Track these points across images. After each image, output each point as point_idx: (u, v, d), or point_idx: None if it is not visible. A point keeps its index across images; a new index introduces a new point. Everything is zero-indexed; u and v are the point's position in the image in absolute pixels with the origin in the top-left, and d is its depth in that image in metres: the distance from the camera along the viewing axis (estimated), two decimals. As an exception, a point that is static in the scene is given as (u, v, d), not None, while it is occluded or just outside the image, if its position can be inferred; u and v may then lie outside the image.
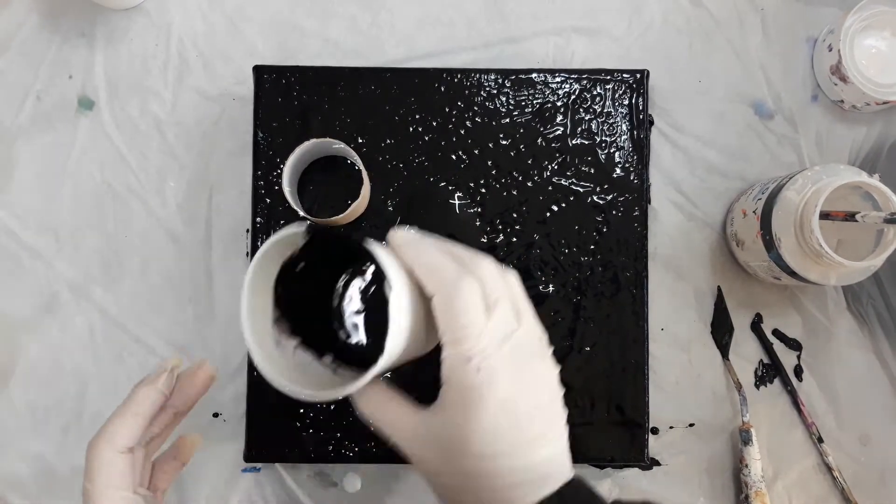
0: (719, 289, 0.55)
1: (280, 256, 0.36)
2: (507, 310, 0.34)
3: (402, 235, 0.36)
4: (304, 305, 0.37)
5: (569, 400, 0.51)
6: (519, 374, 0.34)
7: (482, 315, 0.33)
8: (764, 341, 0.54)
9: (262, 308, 0.36)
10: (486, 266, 0.35)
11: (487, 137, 0.52)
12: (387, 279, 0.33)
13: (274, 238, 0.34)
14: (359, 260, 0.36)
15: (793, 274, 0.47)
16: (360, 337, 0.36)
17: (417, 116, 0.52)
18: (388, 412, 0.36)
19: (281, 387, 0.34)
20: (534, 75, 0.53)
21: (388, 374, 0.39)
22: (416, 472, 0.36)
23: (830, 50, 0.53)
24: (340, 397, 0.35)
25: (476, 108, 0.52)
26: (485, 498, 0.33)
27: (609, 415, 0.51)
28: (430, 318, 0.34)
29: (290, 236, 0.35)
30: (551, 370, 0.36)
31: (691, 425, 0.54)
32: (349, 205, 0.49)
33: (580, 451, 0.51)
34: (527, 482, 0.33)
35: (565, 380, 0.51)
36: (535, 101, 0.52)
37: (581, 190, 0.52)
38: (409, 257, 0.35)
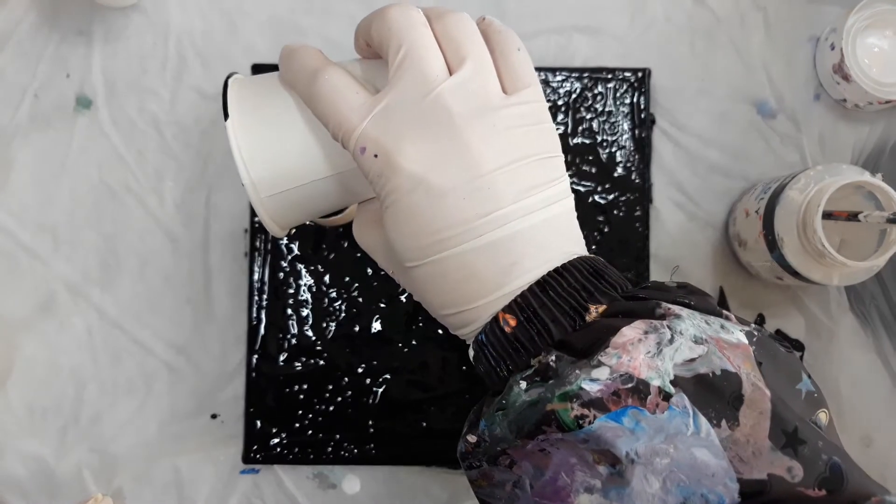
0: (721, 289, 0.54)
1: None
2: (419, 63, 0.27)
3: (284, 47, 0.31)
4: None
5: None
6: (444, 141, 0.27)
7: (358, 96, 0.28)
8: (766, 342, 0.54)
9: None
10: (391, 13, 0.28)
11: (488, 137, 0.52)
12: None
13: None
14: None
15: (795, 274, 0.47)
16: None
17: (417, 115, 0.52)
18: (370, 236, 0.32)
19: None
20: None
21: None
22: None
23: (833, 49, 0.52)
24: (275, 234, 0.34)
25: (476, 107, 0.52)
26: (447, 300, 0.29)
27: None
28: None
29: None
30: (518, 121, 0.28)
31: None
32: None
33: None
34: (479, 274, 0.28)
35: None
36: (535, 100, 0.52)
37: (582, 189, 0.52)
38: (282, 72, 0.31)
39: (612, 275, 0.29)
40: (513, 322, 0.28)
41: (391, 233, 0.29)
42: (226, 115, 0.31)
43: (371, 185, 0.29)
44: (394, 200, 0.28)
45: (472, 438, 0.28)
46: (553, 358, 0.27)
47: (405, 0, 0.29)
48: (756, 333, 0.27)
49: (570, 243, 0.29)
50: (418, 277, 0.29)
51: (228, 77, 0.33)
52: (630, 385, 0.25)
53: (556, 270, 0.28)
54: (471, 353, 0.31)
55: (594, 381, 0.25)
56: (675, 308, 0.27)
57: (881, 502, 0.24)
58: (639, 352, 0.25)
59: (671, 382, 0.25)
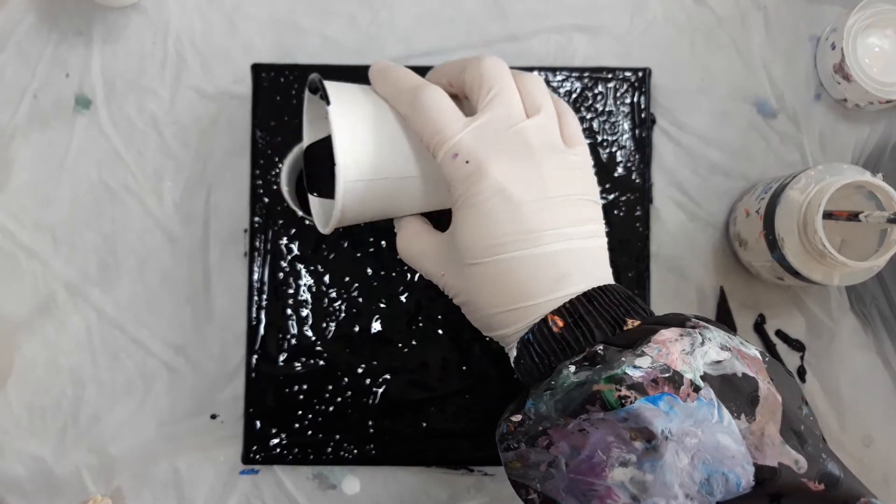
0: (722, 289, 0.54)
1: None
2: (506, 102, 0.34)
3: (375, 63, 0.38)
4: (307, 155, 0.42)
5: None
6: (524, 164, 0.33)
7: (456, 113, 0.34)
8: (767, 342, 0.54)
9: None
10: (486, 63, 0.36)
11: (488, 136, 0.52)
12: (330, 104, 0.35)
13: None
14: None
15: (796, 274, 0.46)
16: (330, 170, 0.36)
17: (417, 115, 0.52)
18: (418, 242, 0.38)
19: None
20: (534, 74, 0.52)
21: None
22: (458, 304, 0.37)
23: (833, 48, 0.52)
24: (330, 227, 0.38)
25: (476, 107, 0.52)
26: (500, 299, 0.33)
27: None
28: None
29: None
30: (576, 166, 0.35)
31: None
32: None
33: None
34: (535, 278, 0.33)
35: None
36: (535, 100, 0.52)
37: (582, 189, 0.52)
38: (378, 83, 0.37)
39: (641, 302, 0.34)
40: (561, 323, 0.32)
41: (465, 230, 0.34)
42: (327, 101, 0.35)
43: (453, 187, 0.34)
44: (476, 202, 0.33)
45: (516, 418, 0.32)
46: (601, 348, 0.31)
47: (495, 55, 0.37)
48: (767, 356, 0.32)
49: (605, 272, 0.35)
50: (477, 274, 0.34)
51: (312, 75, 0.38)
52: (667, 375, 0.29)
53: (599, 288, 0.33)
54: (513, 352, 0.35)
55: (637, 368, 0.29)
56: (703, 322, 0.32)
57: (868, 503, 0.28)
58: (675, 348, 0.29)
59: (701, 377, 0.29)
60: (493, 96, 0.34)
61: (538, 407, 0.31)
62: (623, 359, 0.29)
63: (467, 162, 0.33)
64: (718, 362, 0.29)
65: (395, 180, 0.36)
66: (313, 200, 0.42)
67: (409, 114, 0.35)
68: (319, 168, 0.40)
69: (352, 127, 0.35)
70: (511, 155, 0.33)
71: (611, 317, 0.32)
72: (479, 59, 0.36)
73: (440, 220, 0.39)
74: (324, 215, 0.41)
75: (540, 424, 0.30)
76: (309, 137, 0.42)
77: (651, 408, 0.28)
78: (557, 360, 0.32)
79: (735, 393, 0.29)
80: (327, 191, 0.37)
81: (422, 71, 0.52)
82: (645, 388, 0.28)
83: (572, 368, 0.30)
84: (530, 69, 0.52)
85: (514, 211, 0.32)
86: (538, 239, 0.32)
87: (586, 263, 0.34)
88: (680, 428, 0.28)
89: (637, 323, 0.32)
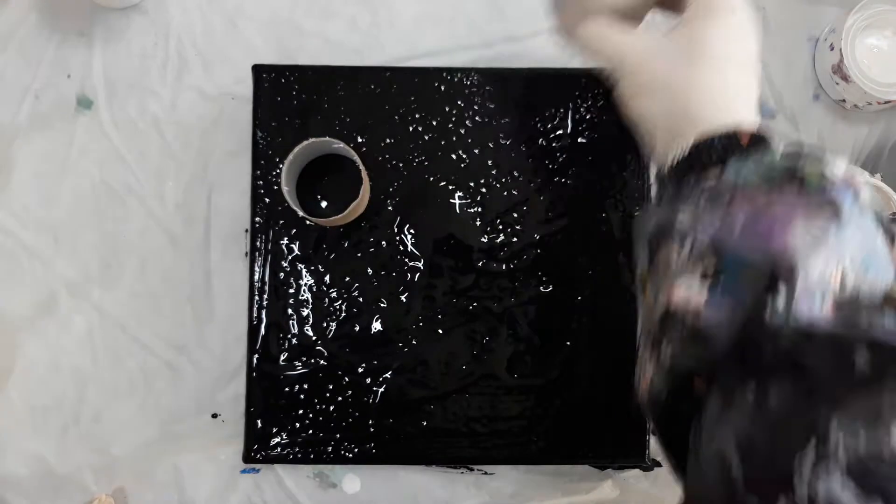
0: (720, 289, 0.54)
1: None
2: None
3: None
4: None
5: (570, 400, 0.51)
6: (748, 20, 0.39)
7: None
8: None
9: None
10: None
11: (488, 137, 0.52)
12: None
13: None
14: None
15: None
16: None
17: (417, 116, 0.52)
18: (613, 35, 0.41)
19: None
20: (534, 74, 0.52)
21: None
22: (622, 94, 0.41)
23: (832, 49, 0.52)
24: None
25: (476, 108, 0.52)
26: (687, 108, 0.37)
27: (610, 415, 0.51)
28: None
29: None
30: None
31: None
32: (349, 204, 0.49)
33: (581, 451, 0.51)
34: (733, 98, 0.37)
35: (566, 380, 0.51)
36: (535, 101, 0.52)
37: (582, 189, 0.52)
38: None
39: None
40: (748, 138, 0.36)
41: (716, 34, 0.39)
42: None
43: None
44: (737, 19, 0.39)
45: (714, 171, 0.35)
46: (806, 147, 0.35)
47: None
48: None
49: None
50: (704, 74, 0.38)
51: None
52: (853, 181, 0.33)
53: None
54: (681, 152, 0.37)
55: (839, 166, 0.33)
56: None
57: None
58: (860, 175, 0.37)
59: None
60: None
61: (738, 171, 0.34)
62: (828, 155, 0.34)
63: None
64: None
65: None
66: None
67: None
68: None
69: None
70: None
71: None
72: None
73: None
74: None
75: (731, 188, 0.33)
76: None
77: (843, 195, 0.32)
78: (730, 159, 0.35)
79: (887, 231, 0.33)
80: None
81: (422, 70, 0.53)
82: (842, 182, 0.33)
83: (782, 149, 0.35)
84: (530, 69, 0.52)
85: (755, 38, 0.39)
86: (743, 73, 0.39)
87: (752, 111, 0.39)
88: (858, 215, 0.32)
89: None
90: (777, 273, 0.31)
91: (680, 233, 0.34)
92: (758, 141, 0.35)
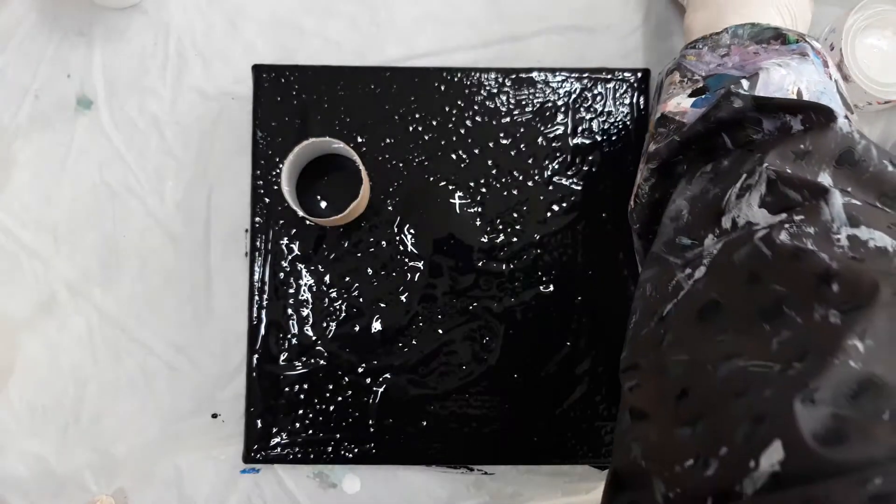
0: (720, 289, 0.54)
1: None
2: None
3: None
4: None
5: (570, 400, 0.51)
6: None
7: None
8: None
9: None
10: None
11: (488, 137, 0.52)
12: None
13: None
14: None
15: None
16: None
17: (417, 116, 0.52)
18: None
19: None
20: (534, 74, 0.52)
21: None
22: None
23: (832, 49, 0.52)
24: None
25: (476, 108, 0.52)
26: (720, 18, 0.45)
27: (610, 415, 0.51)
28: None
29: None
30: None
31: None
32: (349, 204, 0.49)
33: (581, 451, 0.51)
34: (753, 14, 0.44)
35: (566, 380, 0.51)
36: (535, 101, 0.52)
37: (582, 189, 0.52)
38: None
39: None
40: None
41: None
42: None
43: None
44: None
45: (720, 34, 0.44)
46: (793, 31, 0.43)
47: None
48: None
49: None
50: None
51: None
52: (823, 54, 0.42)
53: None
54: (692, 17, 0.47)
55: (815, 41, 0.42)
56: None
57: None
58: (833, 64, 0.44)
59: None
60: None
61: (736, 31, 0.43)
62: (806, 37, 0.42)
63: None
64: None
65: None
66: None
67: None
68: None
69: None
70: None
71: None
72: None
73: None
74: None
75: (728, 42, 0.43)
76: None
77: (812, 53, 0.41)
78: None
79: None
80: None
81: (422, 70, 0.53)
82: (815, 48, 0.41)
83: (778, 22, 0.44)
84: (530, 69, 0.52)
85: None
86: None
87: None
88: (820, 68, 0.41)
89: None
90: (745, 77, 0.40)
91: (683, 67, 0.44)
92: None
